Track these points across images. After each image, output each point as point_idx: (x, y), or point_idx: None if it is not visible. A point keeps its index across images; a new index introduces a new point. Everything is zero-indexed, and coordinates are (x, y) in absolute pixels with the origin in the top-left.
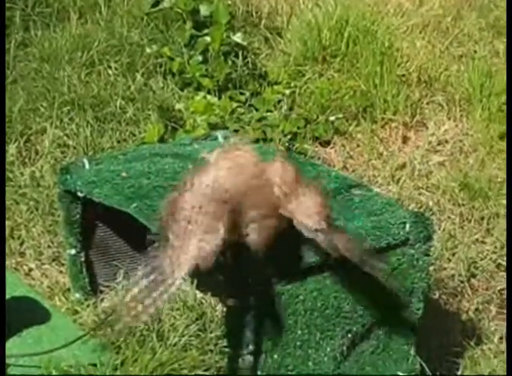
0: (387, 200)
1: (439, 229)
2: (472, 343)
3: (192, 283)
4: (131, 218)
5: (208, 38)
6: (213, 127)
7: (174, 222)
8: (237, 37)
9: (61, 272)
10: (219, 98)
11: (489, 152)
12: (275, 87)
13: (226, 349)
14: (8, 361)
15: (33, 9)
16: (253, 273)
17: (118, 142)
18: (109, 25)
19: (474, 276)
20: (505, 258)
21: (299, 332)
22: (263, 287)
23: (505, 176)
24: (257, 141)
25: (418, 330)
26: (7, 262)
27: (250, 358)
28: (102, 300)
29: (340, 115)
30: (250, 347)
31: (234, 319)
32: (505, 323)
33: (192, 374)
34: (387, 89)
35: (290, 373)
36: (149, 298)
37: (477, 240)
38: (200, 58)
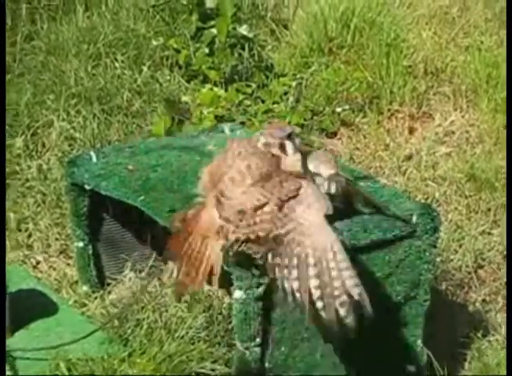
0: (394, 191)
1: (446, 220)
2: (479, 334)
3: None
4: (139, 211)
5: (214, 30)
6: (219, 119)
7: None
8: (243, 30)
9: (68, 264)
10: (226, 90)
11: (496, 142)
12: (282, 79)
13: (234, 342)
14: (15, 354)
15: (39, 1)
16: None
17: (125, 134)
18: (115, 18)
19: (481, 267)
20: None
21: (306, 324)
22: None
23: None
24: None
25: (425, 321)
26: (14, 255)
27: (257, 350)
28: (109, 292)
29: (347, 107)
30: (258, 339)
31: (241, 311)
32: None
33: (200, 365)
34: (394, 80)
35: (297, 364)
36: None
37: (484, 231)
38: (207, 50)
